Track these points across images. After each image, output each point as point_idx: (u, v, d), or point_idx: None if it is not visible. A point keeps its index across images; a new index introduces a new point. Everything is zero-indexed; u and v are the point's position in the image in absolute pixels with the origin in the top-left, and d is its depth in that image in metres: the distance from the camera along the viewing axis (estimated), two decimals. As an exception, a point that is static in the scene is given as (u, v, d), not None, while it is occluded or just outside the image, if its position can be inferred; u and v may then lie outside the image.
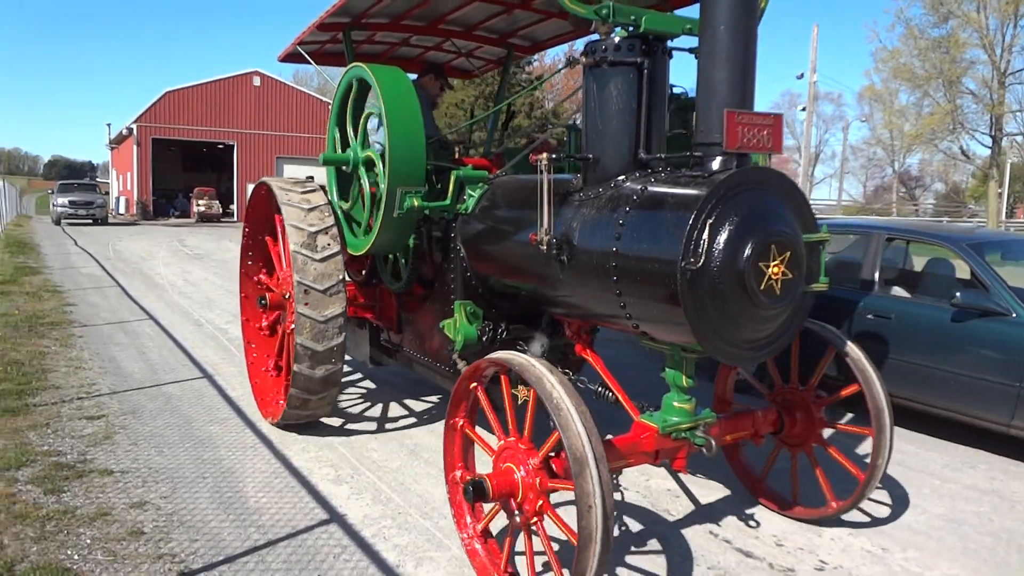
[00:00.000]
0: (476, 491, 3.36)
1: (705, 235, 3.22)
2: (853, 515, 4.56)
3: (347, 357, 5.76)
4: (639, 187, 3.67)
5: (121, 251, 21.13)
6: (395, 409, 6.52)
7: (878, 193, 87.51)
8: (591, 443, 3.01)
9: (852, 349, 4.18)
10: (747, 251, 3.26)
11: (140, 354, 8.22)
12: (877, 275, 6.45)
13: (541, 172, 3.79)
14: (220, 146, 45.55)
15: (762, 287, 3.30)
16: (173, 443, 5.46)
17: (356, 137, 5.36)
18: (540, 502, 3.30)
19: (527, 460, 3.36)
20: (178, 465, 5.04)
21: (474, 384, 3.69)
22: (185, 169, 51.64)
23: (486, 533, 3.76)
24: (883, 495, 4.92)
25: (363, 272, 6.19)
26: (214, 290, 13.35)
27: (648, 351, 4.02)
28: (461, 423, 3.79)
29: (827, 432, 4.46)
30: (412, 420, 6.23)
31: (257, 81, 44.16)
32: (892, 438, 4.10)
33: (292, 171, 39.68)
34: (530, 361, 3.38)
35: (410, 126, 4.87)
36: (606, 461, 3.05)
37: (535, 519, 3.34)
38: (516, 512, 3.39)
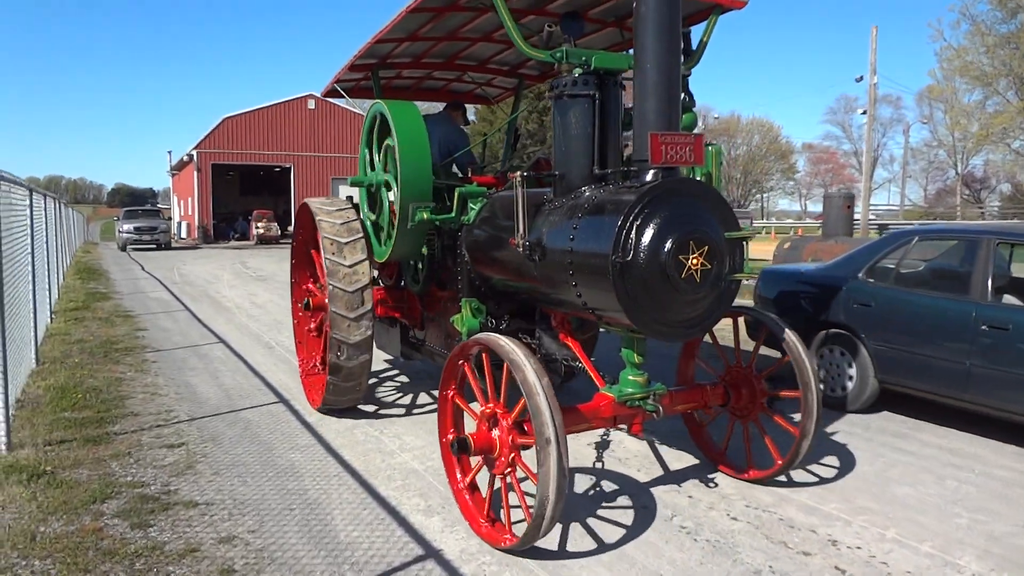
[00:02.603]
0: (460, 446, 4.14)
1: (633, 234, 3.97)
2: (801, 477, 5.27)
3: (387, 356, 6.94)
4: (592, 196, 4.44)
5: (187, 275, 21.46)
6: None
7: (940, 196, 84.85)
8: (549, 406, 3.73)
9: (787, 333, 4.90)
10: (668, 246, 3.95)
11: (214, 379, 8.16)
12: (989, 283, 5.99)
13: (516, 187, 4.55)
14: (277, 169, 46.37)
15: (683, 276, 3.99)
16: (256, 472, 5.30)
17: (379, 161, 6.25)
18: (512, 455, 4.02)
19: (502, 421, 4.09)
20: (263, 496, 4.87)
21: (462, 361, 4.40)
22: (243, 193, 52.69)
23: (473, 486, 4.45)
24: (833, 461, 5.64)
25: (392, 277, 7.18)
26: (281, 312, 13.34)
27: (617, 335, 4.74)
28: (451, 394, 4.53)
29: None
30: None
31: (312, 104, 44.88)
32: (819, 402, 4.78)
33: (347, 191, 40.12)
34: (502, 340, 4.07)
35: (418, 152, 5.74)
36: (562, 420, 3.75)
37: (509, 469, 4.06)
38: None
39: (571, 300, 4.49)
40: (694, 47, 5.31)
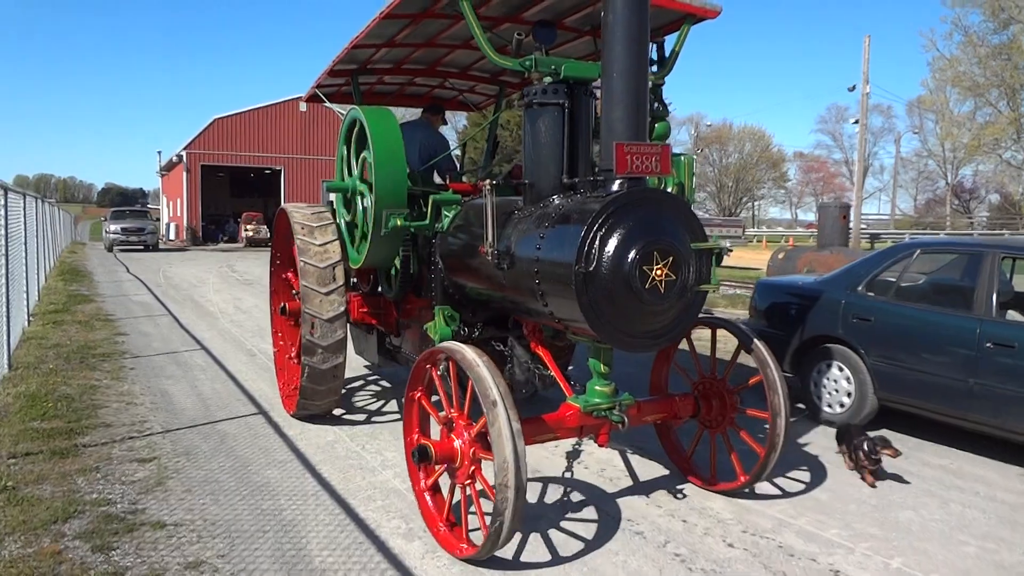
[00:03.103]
0: (421, 455, 4.12)
1: (596, 243, 3.92)
2: (799, 499, 5.20)
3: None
4: (560, 205, 4.43)
5: (172, 277, 21.13)
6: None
7: (930, 206, 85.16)
8: (508, 415, 3.70)
9: (757, 346, 4.81)
10: (631, 256, 3.90)
11: (192, 387, 7.89)
12: (994, 299, 5.81)
13: (486, 195, 4.49)
14: (267, 171, 46.00)
15: (647, 286, 3.93)
16: (229, 490, 5.05)
17: (356, 167, 6.14)
18: (472, 468, 4.00)
19: (463, 432, 4.06)
20: (235, 516, 4.62)
21: (429, 365, 4.39)
22: (233, 194, 52.27)
23: (435, 487, 4.42)
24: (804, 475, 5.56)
25: (368, 284, 7.05)
26: (265, 318, 12.98)
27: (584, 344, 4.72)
28: (418, 395, 4.48)
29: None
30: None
31: (304, 107, 44.50)
32: (787, 421, 4.69)
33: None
34: (465, 350, 4.05)
35: (393, 159, 5.64)
36: (521, 433, 3.72)
37: (469, 480, 4.04)
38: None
39: (538, 309, 4.44)
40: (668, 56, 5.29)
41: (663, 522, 4.68)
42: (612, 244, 3.92)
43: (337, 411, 6.88)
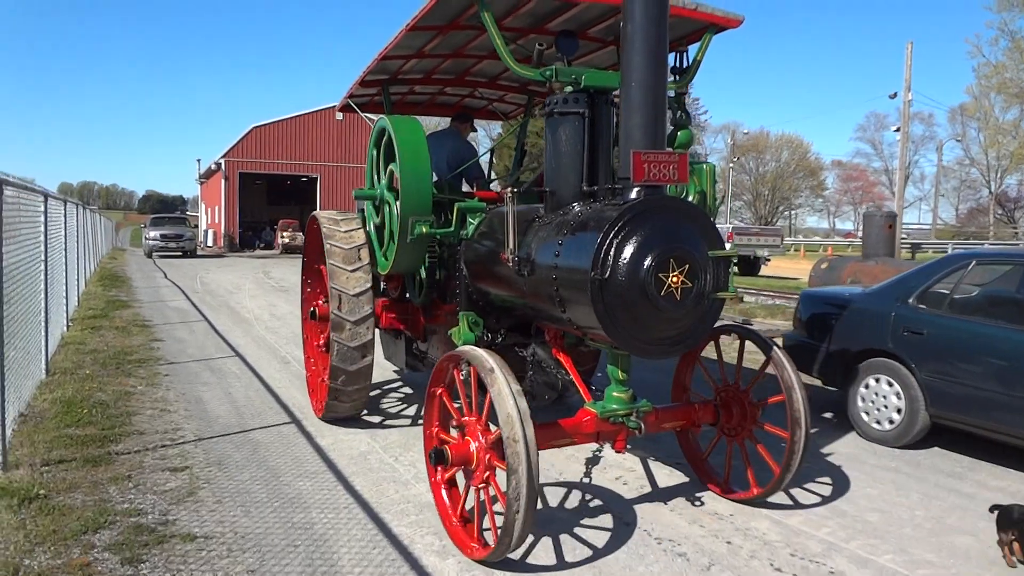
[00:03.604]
0: (437, 457, 4.19)
1: (612, 251, 3.95)
2: (850, 520, 5.00)
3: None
4: (579, 212, 4.45)
5: (208, 283, 21.33)
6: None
7: (972, 216, 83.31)
8: (522, 423, 3.71)
9: (778, 357, 4.75)
10: (647, 263, 3.92)
11: (226, 395, 7.86)
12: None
13: (507, 203, 4.57)
14: (304, 179, 46.44)
15: (663, 294, 3.95)
16: (261, 502, 4.96)
17: (384, 175, 6.23)
18: (487, 474, 4.04)
19: (480, 437, 4.11)
20: (266, 529, 4.52)
21: (452, 366, 4.43)
22: (270, 202, 52.84)
23: (451, 481, 4.47)
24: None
25: (397, 290, 7.16)
26: (299, 325, 13.04)
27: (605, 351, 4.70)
28: (439, 391, 4.54)
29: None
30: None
31: (340, 115, 44.86)
32: (807, 440, 4.65)
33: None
34: (484, 356, 4.06)
35: (418, 166, 5.70)
36: (535, 442, 3.74)
37: (483, 485, 4.08)
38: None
39: (558, 316, 4.48)
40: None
41: (706, 543, 4.49)
42: (628, 251, 3.94)
43: (371, 417, 6.79)
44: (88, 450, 5.80)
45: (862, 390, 6.66)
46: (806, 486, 5.44)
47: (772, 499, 5.12)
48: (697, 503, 5.10)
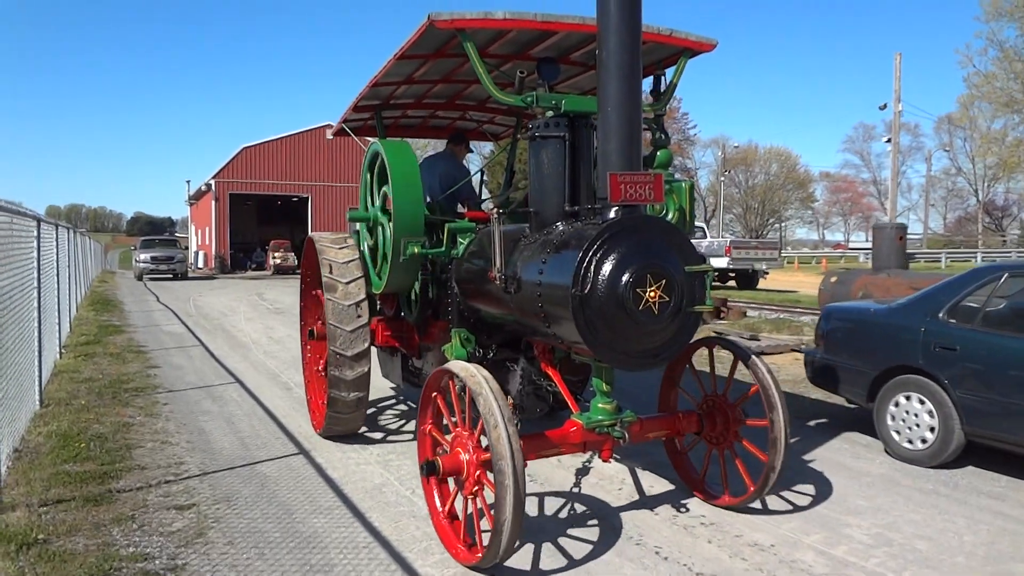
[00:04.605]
0: (429, 468, 4.35)
1: (592, 268, 4.11)
2: (898, 548, 4.70)
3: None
4: (562, 232, 4.65)
5: (202, 307, 20.99)
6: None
7: (960, 224, 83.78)
8: (508, 435, 3.85)
9: (755, 361, 4.92)
10: (625, 279, 4.07)
11: (229, 424, 7.56)
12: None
13: (493, 223, 4.71)
14: (295, 199, 46.18)
15: (641, 308, 4.10)
16: (274, 542, 4.67)
17: (378, 198, 6.48)
18: (478, 472, 4.16)
19: (470, 447, 4.22)
20: (283, 573, 4.23)
21: (435, 393, 4.60)
22: (261, 222, 52.52)
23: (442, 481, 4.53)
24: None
25: (392, 308, 7.28)
26: (299, 348, 12.74)
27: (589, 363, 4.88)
28: (428, 428, 4.67)
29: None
30: (563, 515, 5.33)
31: (330, 134, 44.73)
32: (786, 432, 4.75)
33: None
34: (469, 369, 4.22)
35: (410, 190, 5.93)
36: (521, 453, 3.89)
37: (476, 488, 4.19)
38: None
39: (544, 330, 4.64)
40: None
41: (741, 570, 4.24)
42: (607, 268, 4.10)
43: (381, 445, 6.51)
44: (88, 488, 5.50)
45: (892, 408, 6.44)
46: (845, 511, 5.20)
47: (817, 525, 4.88)
48: (683, 510, 5.25)
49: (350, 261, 6.47)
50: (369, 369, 6.37)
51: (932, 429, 6.12)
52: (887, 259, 12.17)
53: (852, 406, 7.57)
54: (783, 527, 4.93)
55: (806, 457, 6.49)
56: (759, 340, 12.90)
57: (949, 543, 4.72)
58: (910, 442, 6.29)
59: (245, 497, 5.45)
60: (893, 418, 6.43)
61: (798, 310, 18.05)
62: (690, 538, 4.76)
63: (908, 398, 6.32)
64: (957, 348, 6.00)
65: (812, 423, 7.70)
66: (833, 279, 11.97)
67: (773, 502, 5.36)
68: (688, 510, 5.22)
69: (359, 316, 6.28)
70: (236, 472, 6.03)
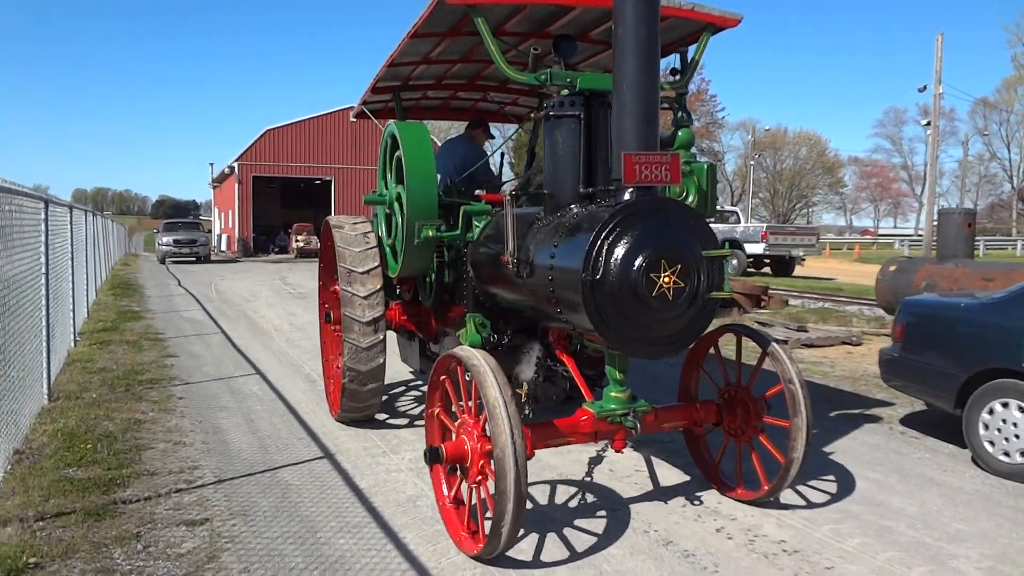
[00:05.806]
0: (432, 456, 4.30)
1: (604, 252, 3.94)
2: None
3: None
4: (575, 214, 4.46)
5: (224, 291, 20.54)
6: (572, 529, 5.01)
7: (992, 211, 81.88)
8: (510, 426, 3.72)
9: (780, 356, 4.63)
10: (638, 263, 3.90)
11: (248, 422, 7.00)
12: None
13: (506, 206, 4.57)
14: (318, 181, 45.73)
15: (655, 294, 3.92)
16: (297, 568, 4.07)
17: (392, 180, 6.35)
18: (481, 461, 4.05)
19: (475, 435, 4.09)
20: (306, 611, 3.65)
21: (443, 376, 4.52)
22: (284, 205, 52.17)
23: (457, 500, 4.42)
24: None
25: (410, 292, 7.17)
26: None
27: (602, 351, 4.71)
28: (437, 411, 4.59)
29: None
30: (597, 532, 4.71)
31: (352, 116, 44.14)
32: (809, 430, 4.53)
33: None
34: (474, 355, 4.11)
35: (424, 171, 5.81)
36: (523, 442, 3.76)
37: (480, 477, 4.09)
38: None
39: (555, 316, 4.49)
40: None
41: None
42: (619, 252, 3.95)
43: (412, 455, 5.92)
44: (90, 498, 4.95)
45: (986, 416, 5.73)
46: (946, 536, 4.52)
47: (919, 557, 4.22)
48: (696, 502, 5.10)
49: (366, 250, 6.33)
50: (384, 360, 6.28)
51: (1035, 440, 5.42)
52: (954, 247, 11.29)
53: (926, 409, 6.87)
54: (879, 557, 4.27)
55: (886, 468, 5.81)
56: (807, 331, 12.16)
57: (1078, 581, 4.04)
58: (1007, 455, 5.59)
59: (264, 511, 4.87)
60: (987, 427, 5.73)
61: (841, 299, 17.26)
62: (710, 534, 4.49)
63: (1006, 405, 5.61)
64: (1067, 350, 5.28)
65: (882, 427, 7.00)
66: (892, 268, 11.18)
67: (850, 523, 4.71)
68: (701, 502, 5.06)
69: (374, 307, 6.15)
70: (255, 479, 5.46)
